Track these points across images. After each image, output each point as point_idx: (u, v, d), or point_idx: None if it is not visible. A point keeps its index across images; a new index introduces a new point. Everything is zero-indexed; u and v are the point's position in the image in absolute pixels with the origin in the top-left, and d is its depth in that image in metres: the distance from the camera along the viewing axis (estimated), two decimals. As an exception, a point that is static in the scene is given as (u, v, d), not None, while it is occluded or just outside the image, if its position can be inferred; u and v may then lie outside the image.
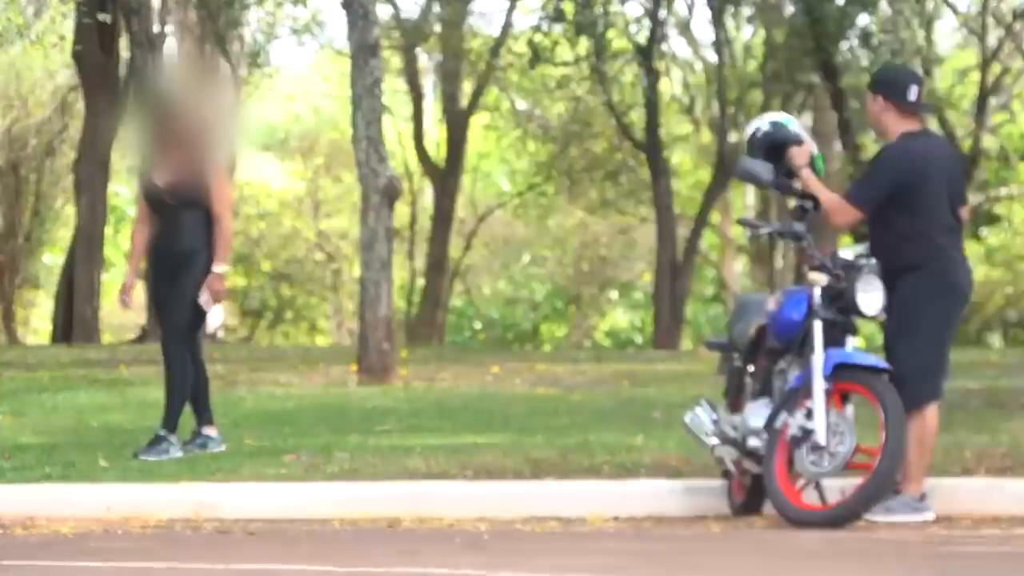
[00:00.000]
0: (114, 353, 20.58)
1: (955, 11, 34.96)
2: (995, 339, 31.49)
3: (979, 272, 31.82)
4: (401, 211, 31.13)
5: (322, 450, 10.81)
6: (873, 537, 8.18)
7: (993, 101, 31.88)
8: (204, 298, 10.61)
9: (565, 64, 28.76)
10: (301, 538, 8.32)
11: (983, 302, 31.36)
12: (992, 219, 35.28)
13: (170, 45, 26.77)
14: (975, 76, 31.45)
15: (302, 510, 9.30)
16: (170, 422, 10.83)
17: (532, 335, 40.06)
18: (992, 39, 31.09)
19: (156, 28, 25.38)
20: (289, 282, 40.82)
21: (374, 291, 16.23)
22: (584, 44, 27.08)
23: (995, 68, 31.15)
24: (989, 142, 31.98)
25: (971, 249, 33.47)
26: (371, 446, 11.07)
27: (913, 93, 9.10)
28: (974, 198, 32.37)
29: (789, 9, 26.07)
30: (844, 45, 24.85)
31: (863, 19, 24.79)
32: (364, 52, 16.52)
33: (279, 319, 41.74)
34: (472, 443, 11.15)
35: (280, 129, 42.43)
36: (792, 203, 9.20)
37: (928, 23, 27.99)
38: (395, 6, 30.07)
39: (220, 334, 30.00)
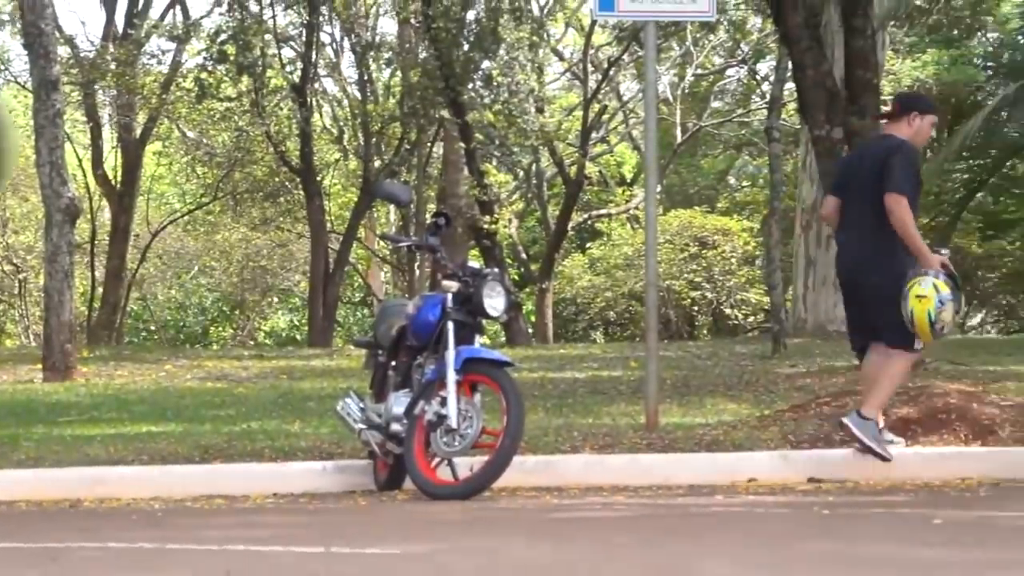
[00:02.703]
0: None
1: (561, 58, 35.75)
2: (598, 336, 32.17)
3: (584, 280, 32.51)
4: (82, 227, 30.38)
5: (10, 440, 10.45)
6: (496, 506, 8.26)
7: (594, 135, 32.64)
8: None
9: (229, 99, 28.48)
10: (-9, 520, 8.03)
11: (589, 303, 32.05)
12: (595, 234, 36.10)
13: None
14: (579, 113, 32.15)
15: (-8, 495, 8.99)
16: None
17: (202, 336, 39.48)
18: (592, 82, 31.84)
19: None
20: (-20, 291, 39.46)
21: (57, 298, 15.93)
22: (245, 81, 26.84)
23: (595, 107, 31.89)
24: (591, 169, 32.71)
25: (577, 260, 34.32)
26: (55, 436, 10.76)
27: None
28: (579, 217, 33.15)
29: (422, 54, 26.23)
30: (469, 86, 25.10)
31: (485, 64, 25.10)
32: (46, 87, 16.19)
33: (-29, 324, 40.32)
34: (147, 432, 10.93)
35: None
36: (429, 219, 9.25)
37: (539, 68, 28.47)
38: (74, 46, 29.38)
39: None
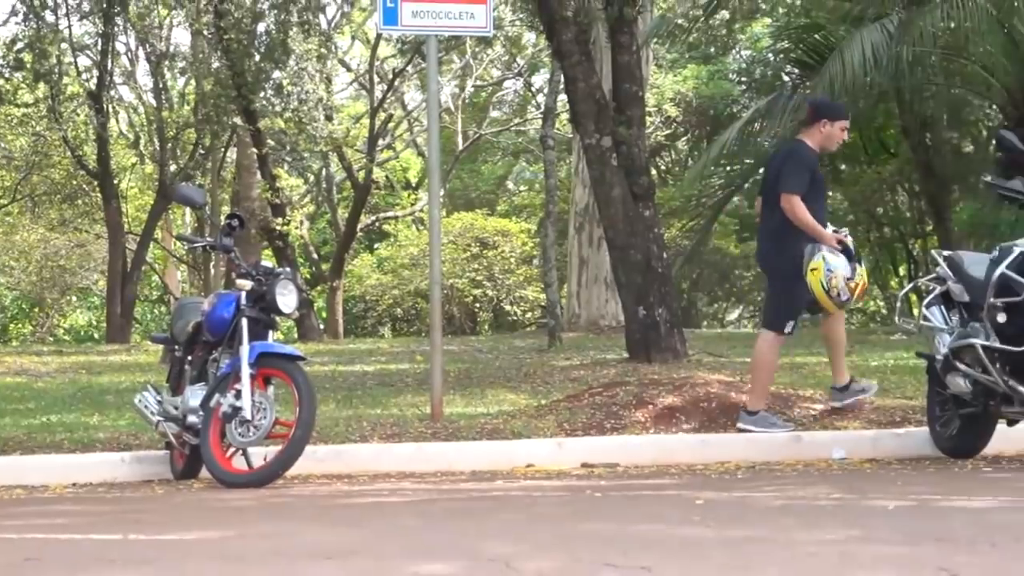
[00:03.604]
0: None
1: (348, 69, 35.59)
2: (386, 331, 32.09)
3: (372, 278, 32.40)
4: None
5: None
6: (289, 493, 8.20)
7: (381, 141, 32.55)
8: None
9: (26, 105, 27.79)
10: None
11: (377, 301, 31.93)
12: (383, 235, 36.01)
13: None
14: (366, 121, 32.04)
15: None
16: None
17: (1, 333, 38.47)
18: (378, 92, 31.76)
19: None
20: None
21: None
22: (42, 88, 26.19)
23: (381, 115, 31.82)
24: (378, 174, 32.62)
25: (366, 260, 34.18)
26: None
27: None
28: (367, 219, 33.03)
29: (215, 64, 25.87)
30: (261, 94, 24.83)
31: (276, 74, 24.85)
32: None
33: None
34: (-53, 427, 10.59)
35: None
36: (223, 221, 9.15)
37: (328, 78, 28.28)
38: None
39: None
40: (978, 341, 8.56)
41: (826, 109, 9.97)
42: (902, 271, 28.50)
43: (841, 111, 10.00)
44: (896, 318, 9.64)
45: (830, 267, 9.32)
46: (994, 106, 18.94)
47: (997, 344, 8.51)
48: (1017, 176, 8.97)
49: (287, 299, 8.83)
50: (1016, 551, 5.30)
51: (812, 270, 9.32)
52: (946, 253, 9.23)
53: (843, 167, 26.70)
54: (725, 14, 26.33)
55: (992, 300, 8.48)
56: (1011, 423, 9.00)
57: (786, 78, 21.82)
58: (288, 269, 9.19)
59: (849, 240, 9.51)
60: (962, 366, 8.73)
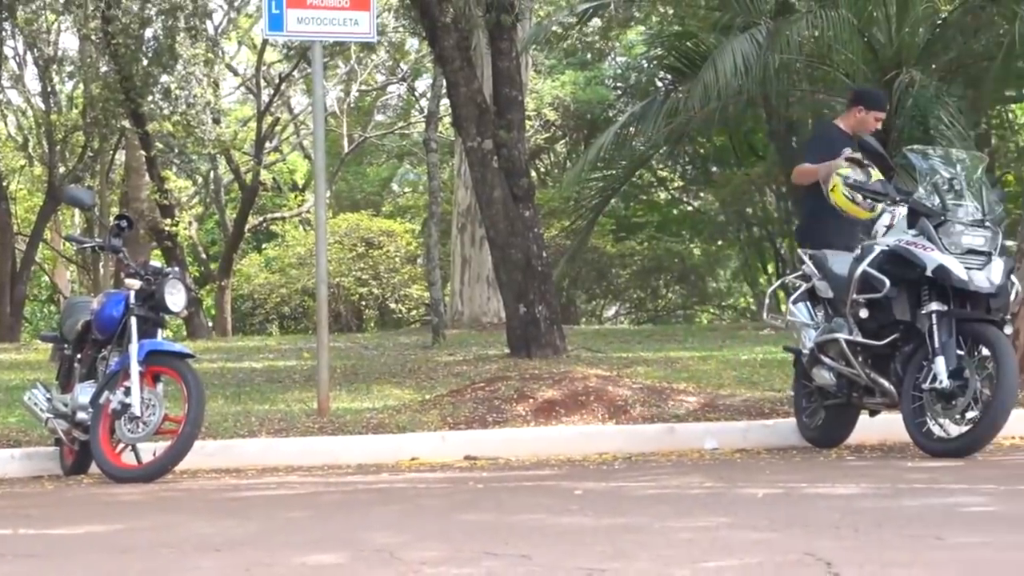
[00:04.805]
0: None
1: (236, 73, 35.27)
2: (274, 329, 31.84)
3: (260, 277, 32.15)
4: None
5: None
6: (178, 487, 8.12)
7: (268, 144, 32.32)
8: None
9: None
10: None
11: (265, 299, 31.67)
12: (270, 236, 35.75)
13: None
14: (253, 124, 31.79)
15: None
16: None
17: None
18: (265, 96, 31.53)
19: None
20: None
21: None
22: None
23: (268, 119, 31.60)
24: (266, 176, 32.39)
25: (254, 259, 33.89)
26: None
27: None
28: (255, 220, 32.76)
29: (104, 68, 25.52)
30: (149, 98, 24.54)
31: (164, 78, 24.56)
32: None
33: None
34: None
35: None
36: (112, 222, 9.05)
37: (215, 83, 28.00)
38: None
39: None
40: (842, 336, 8.70)
41: (864, 97, 9.93)
42: (770, 269, 28.85)
43: (878, 102, 9.93)
44: (764, 314, 9.73)
45: (845, 178, 9.11)
46: (856, 111, 19.21)
47: (860, 339, 8.65)
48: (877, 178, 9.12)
49: (176, 298, 8.75)
50: (877, 535, 5.40)
51: (832, 190, 9.13)
52: (811, 252, 9.35)
53: (714, 169, 26.97)
54: (598, 21, 26.48)
55: (855, 296, 8.62)
56: (873, 414, 9.16)
57: (659, 84, 21.99)
58: (177, 269, 9.12)
59: (855, 154, 9.21)
60: (827, 360, 8.87)
